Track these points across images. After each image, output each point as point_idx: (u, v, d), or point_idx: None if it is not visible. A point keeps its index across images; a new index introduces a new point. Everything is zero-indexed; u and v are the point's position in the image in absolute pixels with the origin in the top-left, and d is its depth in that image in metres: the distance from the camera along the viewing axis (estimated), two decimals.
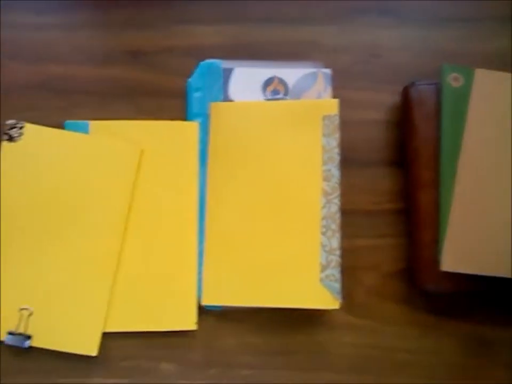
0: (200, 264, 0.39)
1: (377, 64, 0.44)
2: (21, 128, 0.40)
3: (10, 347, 0.38)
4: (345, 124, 0.42)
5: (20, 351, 0.38)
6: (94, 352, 0.38)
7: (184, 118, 0.42)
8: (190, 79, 0.42)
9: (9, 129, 0.40)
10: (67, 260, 0.39)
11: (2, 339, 0.38)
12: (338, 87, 0.43)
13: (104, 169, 0.40)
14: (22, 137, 0.40)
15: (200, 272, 0.39)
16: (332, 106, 0.41)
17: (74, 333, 0.38)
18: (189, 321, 0.39)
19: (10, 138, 0.40)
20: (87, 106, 0.42)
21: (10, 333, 0.38)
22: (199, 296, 0.39)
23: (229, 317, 0.40)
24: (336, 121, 0.40)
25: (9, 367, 0.39)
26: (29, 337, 0.38)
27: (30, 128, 0.40)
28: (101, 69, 0.42)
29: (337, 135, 0.40)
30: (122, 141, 0.40)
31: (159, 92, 0.42)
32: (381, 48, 0.44)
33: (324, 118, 0.40)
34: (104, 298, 0.39)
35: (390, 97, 0.43)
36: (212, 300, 0.39)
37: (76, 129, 0.41)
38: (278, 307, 0.38)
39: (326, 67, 0.43)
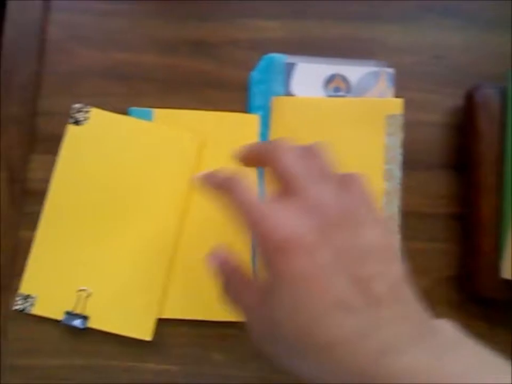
0: None
1: (440, 66, 0.44)
2: (86, 112, 0.41)
3: (66, 327, 0.39)
4: (405, 125, 0.41)
5: (75, 332, 0.39)
6: (148, 337, 0.39)
7: (245, 110, 0.42)
8: (252, 72, 0.42)
9: (75, 113, 0.41)
10: (126, 244, 0.39)
11: (60, 318, 0.39)
12: (400, 87, 0.43)
13: (166, 156, 0.40)
14: (88, 121, 0.40)
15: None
16: (396, 105, 0.40)
17: (130, 317, 0.39)
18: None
19: (76, 122, 0.41)
20: (150, 94, 0.42)
21: (67, 313, 0.39)
22: None
23: None
24: (400, 121, 0.40)
25: (64, 347, 0.39)
26: (86, 318, 0.38)
27: (95, 113, 0.41)
28: (165, 58, 0.42)
29: (400, 135, 0.40)
30: (184, 129, 0.41)
31: (221, 84, 0.42)
32: (444, 50, 0.44)
33: (388, 117, 0.40)
34: (160, 284, 0.39)
35: (451, 100, 0.43)
36: None
37: (140, 116, 0.41)
38: None
39: (389, 66, 0.43)
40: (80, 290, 0.39)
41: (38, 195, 0.40)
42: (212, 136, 0.41)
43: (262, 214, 0.27)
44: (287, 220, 0.26)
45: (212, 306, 0.39)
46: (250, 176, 0.32)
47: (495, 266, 0.37)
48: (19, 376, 0.39)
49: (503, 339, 0.40)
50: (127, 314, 0.39)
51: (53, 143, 0.41)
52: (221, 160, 0.40)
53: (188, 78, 0.42)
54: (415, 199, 0.42)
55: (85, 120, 0.40)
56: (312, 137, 0.40)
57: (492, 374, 0.23)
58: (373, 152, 0.40)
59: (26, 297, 0.39)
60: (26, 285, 0.39)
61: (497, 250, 0.38)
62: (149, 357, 0.40)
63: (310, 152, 0.30)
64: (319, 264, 0.25)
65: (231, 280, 0.31)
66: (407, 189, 0.41)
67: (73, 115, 0.41)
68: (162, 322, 0.39)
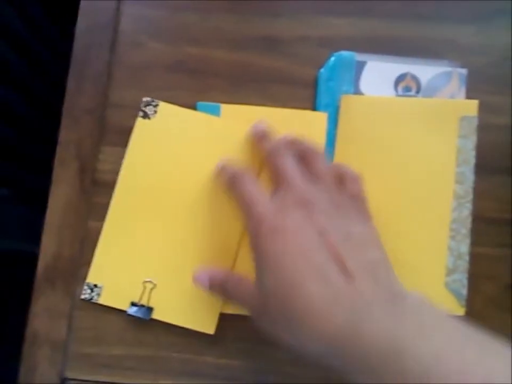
0: None
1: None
2: (155, 106, 0.41)
3: (130, 317, 0.39)
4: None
5: (139, 323, 0.39)
6: (211, 331, 0.39)
7: (313, 108, 0.42)
8: (322, 69, 0.42)
9: (144, 107, 0.41)
10: (193, 238, 0.40)
11: (125, 309, 0.39)
12: (472, 88, 0.42)
13: (234, 152, 0.40)
14: (156, 115, 0.41)
15: None
16: (471, 107, 0.40)
17: (194, 310, 0.39)
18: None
19: (145, 115, 0.41)
20: (218, 89, 0.42)
21: (133, 304, 0.39)
22: None
23: None
24: (475, 123, 0.39)
25: (128, 337, 0.40)
26: (150, 309, 0.39)
27: (164, 107, 0.41)
28: (235, 53, 0.42)
29: (474, 138, 0.39)
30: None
31: (289, 80, 0.42)
32: None
33: (462, 119, 0.40)
34: None
35: None
36: None
37: (207, 111, 0.41)
38: None
39: (461, 67, 0.42)
40: (146, 281, 0.39)
41: (106, 186, 0.41)
42: (279, 133, 0.41)
43: (257, 201, 0.32)
44: (277, 207, 0.31)
45: None
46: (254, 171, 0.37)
47: None
48: (84, 364, 0.40)
49: None
50: (191, 307, 0.39)
51: (122, 135, 0.41)
52: None
53: (257, 74, 0.42)
54: (483, 203, 0.41)
55: (153, 114, 0.41)
56: (381, 137, 0.39)
57: (444, 332, 0.26)
58: (444, 154, 0.39)
59: (94, 286, 0.39)
60: (94, 275, 0.39)
61: None
62: (209, 351, 0.40)
63: (309, 153, 0.35)
64: (301, 242, 0.30)
65: (228, 288, 0.35)
66: (475, 193, 0.40)
67: (142, 108, 0.41)
68: (223, 316, 0.40)
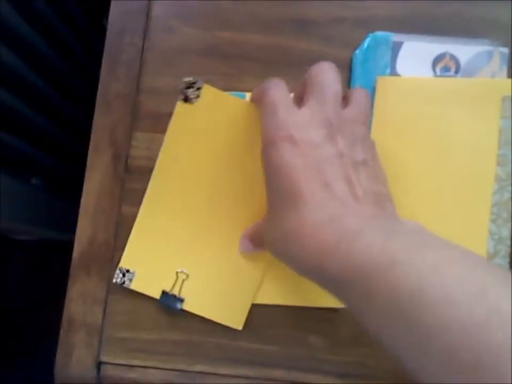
0: None
1: None
2: (198, 89, 0.37)
3: (163, 306, 0.39)
4: None
5: (171, 311, 0.39)
6: (239, 327, 0.38)
7: None
8: (357, 51, 0.41)
9: (185, 88, 0.38)
10: (228, 230, 0.39)
11: (156, 297, 0.39)
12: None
13: None
14: (199, 99, 0.38)
15: None
16: None
17: (224, 304, 0.39)
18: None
19: (186, 99, 0.38)
20: (252, 73, 0.42)
21: (164, 293, 0.39)
22: None
23: None
24: None
25: (162, 322, 0.40)
26: (181, 300, 0.39)
27: (208, 90, 0.38)
28: (268, 37, 0.42)
29: None
30: None
31: None
32: None
33: (504, 99, 0.38)
34: (258, 274, 0.39)
35: None
36: None
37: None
38: None
39: (503, 46, 0.40)
40: (179, 272, 0.39)
41: (139, 172, 0.41)
42: None
43: (282, 108, 0.30)
44: (301, 119, 0.30)
45: (308, 292, 0.39)
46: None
47: None
48: (119, 348, 0.40)
49: None
50: (221, 302, 0.39)
51: (154, 121, 0.41)
52: None
53: (291, 58, 0.42)
54: None
55: (196, 98, 0.37)
56: (418, 119, 0.38)
57: (442, 247, 0.25)
58: (486, 135, 0.38)
59: (126, 271, 0.39)
60: (127, 260, 0.39)
61: None
62: (242, 336, 0.40)
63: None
64: (318, 157, 0.29)
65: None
66: None
67: (183, 90, 0.37)
68: (255, 305, 0.39)
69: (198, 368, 0.39)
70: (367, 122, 0.34)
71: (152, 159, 0.39)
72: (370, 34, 0.41)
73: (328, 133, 0.30)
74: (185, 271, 0.39)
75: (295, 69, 0.41)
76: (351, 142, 0.31)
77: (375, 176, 0.31)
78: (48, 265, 1.12)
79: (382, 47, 0.41)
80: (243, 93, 0.41)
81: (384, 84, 0.40)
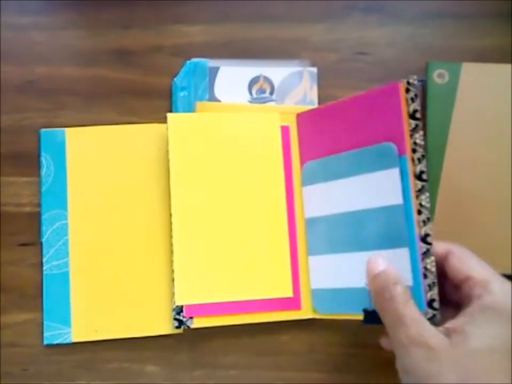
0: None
1: (364, 62, 0.44)
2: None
3: None
4: None
5: None
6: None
7: None
8: (175, 79, 0.42)
9: None
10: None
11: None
12: (325, 85, 0.43)
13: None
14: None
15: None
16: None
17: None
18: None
19: None
20: (72, 107, 0.42)
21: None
22: None
23: None
24: None
25: None
26: None
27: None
28: (86, 69, 0.42)
29: None
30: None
31: (145, 92, 0.42)
32: (368, 46, 0.44)
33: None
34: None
35: None
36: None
37: (51, 137, 0.40)
38: None
39: (313, 65, 0.43)
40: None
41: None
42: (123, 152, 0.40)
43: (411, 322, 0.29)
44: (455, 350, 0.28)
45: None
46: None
47: None
48: None
49: None
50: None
51: None
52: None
53: (111, 89, 0.42)
54: None
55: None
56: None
57: None
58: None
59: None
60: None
61: None
62: (81, 376, 0.39)
63: None
64: None
65: None
66: None
67: None
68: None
69: None
70: None
71: None
72: (187, 62, 0.42)
73: None
74: None
75: (116, 100, 0.42)
76: None
77: None
78: None
79: (199, 74, 0.42)
80: (62, 129, 0.41)
81: (203, 109, 0.41)
